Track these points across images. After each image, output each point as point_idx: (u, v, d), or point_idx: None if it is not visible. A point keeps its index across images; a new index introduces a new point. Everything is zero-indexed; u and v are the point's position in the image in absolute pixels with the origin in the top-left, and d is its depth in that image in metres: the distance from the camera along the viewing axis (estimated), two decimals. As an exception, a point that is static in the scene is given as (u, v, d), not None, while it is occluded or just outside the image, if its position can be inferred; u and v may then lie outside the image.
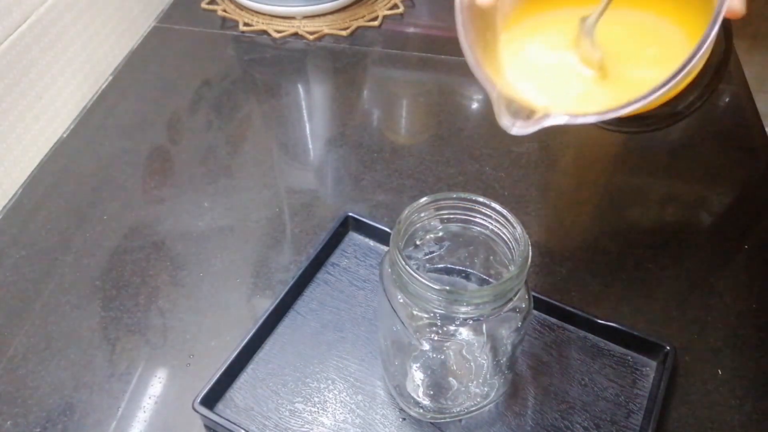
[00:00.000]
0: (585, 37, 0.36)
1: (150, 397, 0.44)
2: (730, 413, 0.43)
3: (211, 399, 0.43)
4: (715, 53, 0.36)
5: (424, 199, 0.38)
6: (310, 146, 0.65)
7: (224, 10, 0.78)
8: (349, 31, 0.76)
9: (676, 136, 0.65)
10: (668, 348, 0.44)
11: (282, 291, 0.48)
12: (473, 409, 0.43)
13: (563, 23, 0.38)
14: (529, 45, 0.39)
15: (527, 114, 0.34)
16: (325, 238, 0.51)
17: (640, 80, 0.35)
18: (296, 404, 0.43)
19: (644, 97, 0.31)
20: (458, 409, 0.42)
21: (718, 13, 0.29)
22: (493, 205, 0.37)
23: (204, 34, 0.77)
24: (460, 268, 0.43)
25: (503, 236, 0.38)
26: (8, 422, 0.43)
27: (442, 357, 0.41)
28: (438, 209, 0.39)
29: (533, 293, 0.39)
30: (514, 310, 0.37)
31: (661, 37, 0.37)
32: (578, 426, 0.42)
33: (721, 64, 0.37)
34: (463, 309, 0.35)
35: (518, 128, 0.34)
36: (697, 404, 0.44)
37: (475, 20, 0.37)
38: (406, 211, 0.37)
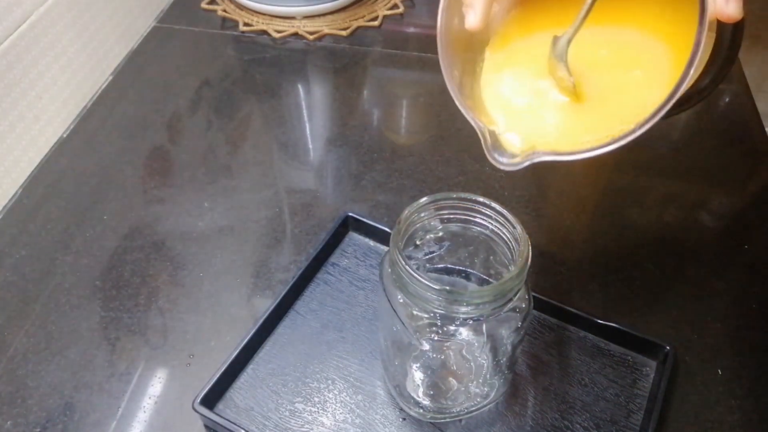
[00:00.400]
0: (557, 61, 0.33)
1: (150, 397, 0.44)
2: (731, 413, 0.43)
3: (211, 399, 0.43)
4: (725, 32, 0.34)
5: (424, 199, 0.38)
6: (310, 146, 0.65)
7: (224, 10, 0.78)
8: (349, 31, 0.76)
9: (676, 135, 0.65)
10: (668, 348, 0.44)
11: (282, 291, 0.48)
12: (473, 409, 0.43)
13: (538, 47, 0.35)
14: (505, 74, 0.37)
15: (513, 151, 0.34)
16: (325, 238, 0.51)
17: (627, 105, 0.33)
18: (296, 404, 0.43)
19: (636, 130, 0.30)
20: (458, 409, 0.42)
21: (701, 31, 0.28)
22: (493, 205, 0.37)
23: (204, 34, 0.77)
24: (460, 268, 0.43)
25: (503, 236, 0.38)
26: (8, 422, 0.43)
27: (442, 357, 0.41)
28: (438, 209, 0.39)
29: (533, 293, 0.39)
30: (514, 310, 0.37)
31: (644, 55, 0.35)
32: (578, 426, 0.42)
33: (732, 44, 0.34)
34: (463, 309, 0.35)
35: (506, 165, 0.34)
36: (697, 404, 0.44)
37: (460, 54, 0.36)
38: (406, 211, 0.37)
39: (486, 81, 0.37)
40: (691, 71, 0.28)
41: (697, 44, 0.28)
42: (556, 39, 0.33)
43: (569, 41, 0.33)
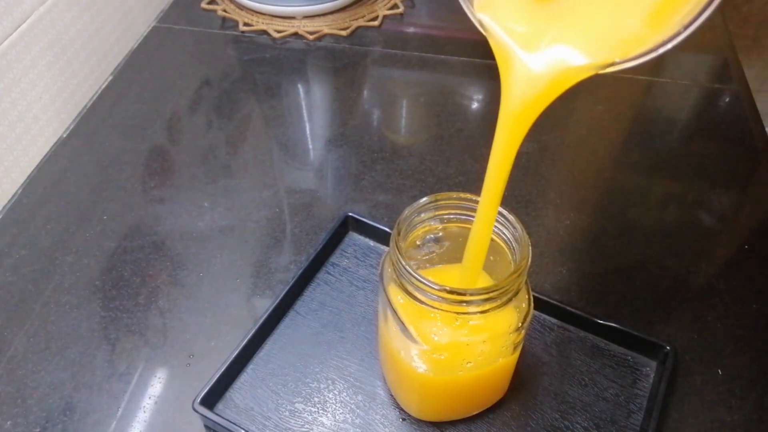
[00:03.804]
0: None
1: (150, 397, 0.44)
2: (731, 413, 0.43)
3: (211, 399, 0.43)
4: None
5: (424, 199, 0.38)
6: (310, 146, 0.64)
7: (224, 10, 0.78)
8: (349, 31, 0.76)
9: (676, 135, 0.65)
10: (668, 348, 0.44)
11: (282, 291, 0.48)
12: (473, 409, 0.42)
13: None
14: None
15: None
16: (325, 238, 0.51)
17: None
18: (296, 404, 0.43)
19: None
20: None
21: None
22: (494, 205, 0.37)
23: (204, 34, 0.77)
24: (461, 268, 0.43)
25: (504, 237, 0.38)
26: (8, 422, 0.43)
27: (443, 357, 0.41)
28: (438, 209, 0.39)
29: (533, 293, 0.39)
30: (514, 310, 0.37)
31: None
32: (578, 426, 0.42)
33: None
34: (463, 309, 0.35)
35: None
36: (697, 404, 0.44)
37: None
38: (406, 211, 0.37)
39: None
40: None
41: None
42: None
43: None
